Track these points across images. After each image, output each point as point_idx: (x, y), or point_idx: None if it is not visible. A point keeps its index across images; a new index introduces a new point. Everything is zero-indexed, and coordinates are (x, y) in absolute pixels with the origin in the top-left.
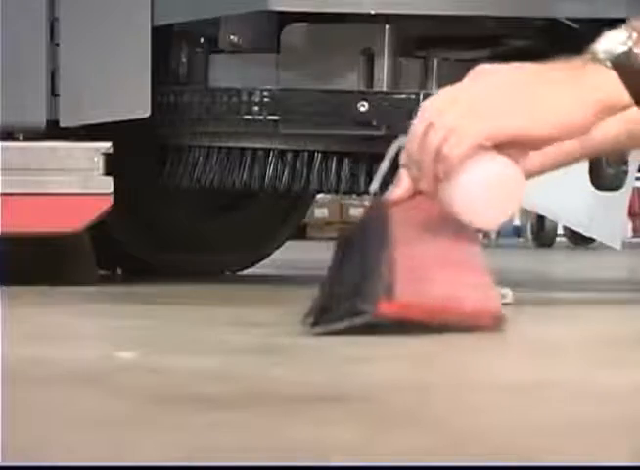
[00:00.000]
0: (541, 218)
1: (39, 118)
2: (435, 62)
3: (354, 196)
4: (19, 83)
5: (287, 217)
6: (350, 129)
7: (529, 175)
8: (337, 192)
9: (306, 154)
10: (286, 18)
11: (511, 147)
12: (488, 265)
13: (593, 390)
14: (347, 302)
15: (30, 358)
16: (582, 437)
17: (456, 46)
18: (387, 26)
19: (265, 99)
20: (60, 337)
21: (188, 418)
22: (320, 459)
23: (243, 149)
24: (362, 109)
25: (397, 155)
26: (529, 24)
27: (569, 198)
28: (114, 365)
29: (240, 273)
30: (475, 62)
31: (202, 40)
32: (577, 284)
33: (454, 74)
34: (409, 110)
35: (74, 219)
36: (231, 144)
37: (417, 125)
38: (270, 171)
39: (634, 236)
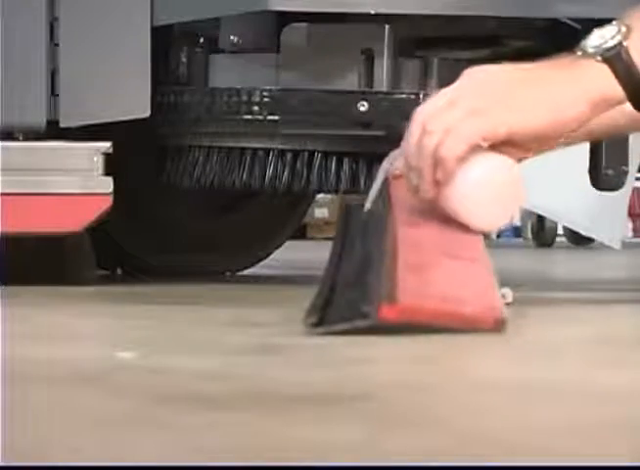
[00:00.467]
0: (541, 218)
1: (39, 118)
2: (435, 62)
3: (354, 196)
4: (19, 83)
5: (287, 217)
6: (350, 129)
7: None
8: (337, 192)
9: (306, 154)
10: (286, 18)
11: (506, 146)
12: (491, 262)
13: (593, 390)
14: (349, 302)
15: (30, 358)
16: (582, 437)
17: (456, 46)
18: (387, 26)
19: (265, 99)
20: (60, 337)
21: (188, 418)
22: (320, 459)
23: (243, 149)
24: (362, 109)
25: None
26: (529, 24)
27: (569, 198)
28: (114, 365)
29: (240, 273)
30: (475, 62)
31: (202, 40)
32: (577, 284)
33: (454, 74)
34: (409, 110)
35: (74, 219)
36: (231, 144)
37: (412, 131)
38: (270, 171)
39: (634, 236)
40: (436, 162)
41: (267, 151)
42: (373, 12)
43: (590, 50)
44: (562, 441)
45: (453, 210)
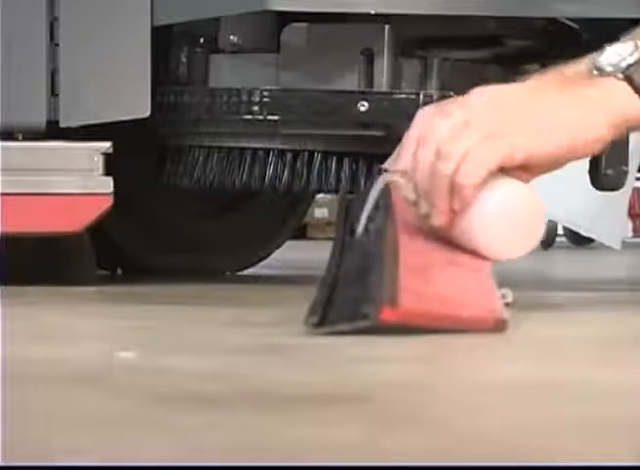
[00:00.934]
0: None
1: (39, 118)
2: (435, 62)
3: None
4: (19, 83)
5: (287, 217)
6: (350, 129)
7: None
8: (337, 192)
9: (306, 154)
10: (286, 18)
11: (521, 170)
12: (491, 264)
13: (593, 390)
14: (350, 302)
15: (30, 358)
16: (582, 437)
17: (456, 46)
18: (386, 26)
19: (265, 99)
20: (60, 337)
21: (188, 418)
22: (320, 459)
23: (243, 149)
24: (362, 109)
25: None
26: (529, 24)
27: (569, 198)
28: (114, 365)
29: (240, 273)
30: (475, 62)
31: (202, 40)
32: (577, 284)
33: (454, 74)
34: (409, 110)
35: (74, 219)
36: (231, 144)
37: (422, 156)
38: (270, 171)
39: (634, 236)
40: (453, 188)
41: (267, 151)
42: (373, 12)
43: (608, 68)
44: (562, 441)
45: (468, 240)
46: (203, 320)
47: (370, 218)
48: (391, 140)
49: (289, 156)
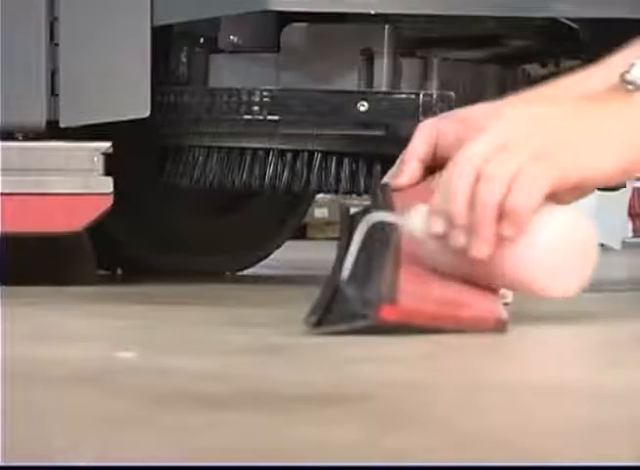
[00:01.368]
0: None
1: (39, 118)
2: (435, 62)
3: (354, 196)
4: (19, 83)
5: (287, 218)
6: (350, 129)
7: None
8: (337, 192)
9: (306, 154)
10: (286, 18)
11: (569, 192)
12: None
13: (593, 390)
14: (349, 302)
15: (30, 358)
16: (582, 437)
17: (456, 46)
18: (386, 26)
19: (265, 99)
20: (60, 337)
21: (188, 418)
22: (320, 459)
23: (243, 149)
24: (362, 109)
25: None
26: (529, 24)
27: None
28: (114, 365)
29: (240, 273)
30: (475, 62)
31: (202, 40)
32: None
33: (454, 74)
34: (409, 110)
35: (74, 219)
36: (231, 144)
37: (456, 183)
38: (270, 171)
39: (634, 236)
40: (502, 214)
41: (267, 151)
42: (373, 12)
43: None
44: (562, 440)
45: (512, 277)
46: (203, 320)
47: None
48: (391, 140)
49: (289, 156)
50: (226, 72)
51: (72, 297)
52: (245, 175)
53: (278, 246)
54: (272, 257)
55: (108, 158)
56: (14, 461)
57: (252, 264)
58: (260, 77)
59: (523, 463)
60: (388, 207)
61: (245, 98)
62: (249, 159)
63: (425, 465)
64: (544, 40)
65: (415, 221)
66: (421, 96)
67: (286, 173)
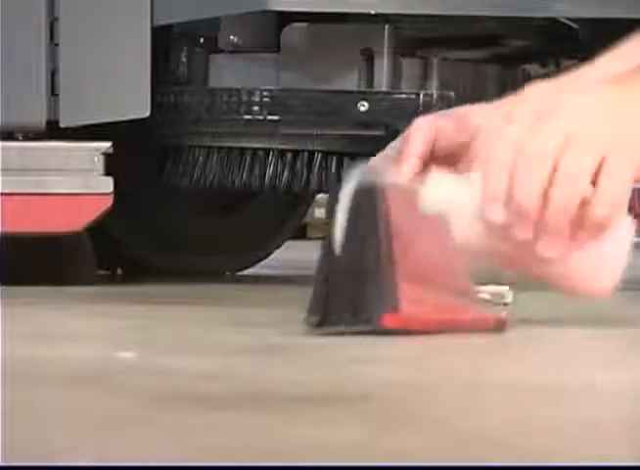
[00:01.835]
0: None
1: (39, 118)
2: (435, 62)
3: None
4: (19, 83)
5: (287, 217)
6: (350, 129)
7: None
8: None
9: (306, 154)
10: (286, 18)
11: None
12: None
13: (593, 390)
14: (349, 304)
15: (30, 358)
16: (582, 437)
17: (456, 46)
18: (386, 26)
19: (265, 99)
20: (60, 337)
21: (188, 418)
22: (320, 459)
23: (243, 149)
24: (362, 109)
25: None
26: (529, 24)
27: None
28: (114, 365)
29: (240, 273)
30: (475, 62)
31: (202, 40)
32: None
33: (454, 74)
34: (409, 110)
35: (74, 219)
36: (231, 144)
37: (526, 175)
38: (270, 171)
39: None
40: (584, 218)
41: (267, 151)
42: (373, 12)
43: None
44: (562, 441)
45: (575, 277)
46: (203, 320)
47: (350, 222)
48: (392, 140)
49: (289, 156)
50: (226, 72)
51: (72, 297)
52: (245, 175)
53: (278, 246)
54: (272, 257)
55: (108, 158)
56: (14, 461)
57: (252, 264)
58: (260, 77)
59: (523, 463)
60: (375, 195)
61: (245, 98)
62: (249, 159)
63: (425, 465)
64: (544, 40)
65: (436, 191)
66: (421, 96)
67: (286, 173)
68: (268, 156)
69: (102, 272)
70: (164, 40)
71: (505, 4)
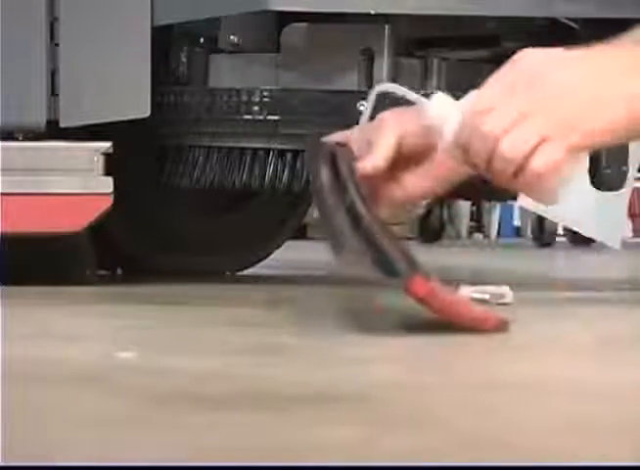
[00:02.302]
0: (541, 218)
1: (39, 118)
2: (435, 62)
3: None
4: (19, 83)
5: (287, 217)
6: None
7: None
8: None
9: None
10: (286, 18)
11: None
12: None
13: (593, 390)
14: (367, 255)
15: (30, 358)
16: (582, 437)
17: (456, 46)
18: (386, 26)
19: (265, 99)
20: (60, 337)
21: (188, 418)
22: (320, 459)
23: (243, 149)
24: (362, 109)
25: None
26: (529, 24)
27: (568, 198)
28: (114, 365)
29: (240, 273)
30: (475, 62)
31: (202, 40)
32: (577, 284)
33: (454, 74)
34: None
35: (74, 219)
36: (231, 144)
37: (478, 146)
38: (270, 171)
39: (634, 236)
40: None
41: (267, 151)
42: (373, 12)
43: None
44: (562, 441)
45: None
46: (203, 320)
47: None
48: None
49: (289, 156)
50: (226, 72)
51: (72, 297)
52: (245, 175)
53: (278, 246)
54: (272, 257)
55: (108, 158)
56: (14, 461)
57: (252, 264)
58: (260, 77)
59: (523, 463)
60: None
61: (245, 98)
62: (249, 159)
63: (425, 465)
64: (544, 40)
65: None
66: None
67: (286, 173)
68: (268, 156)
69: (102, 272)
70: (164, 40)
71: (505, 4)
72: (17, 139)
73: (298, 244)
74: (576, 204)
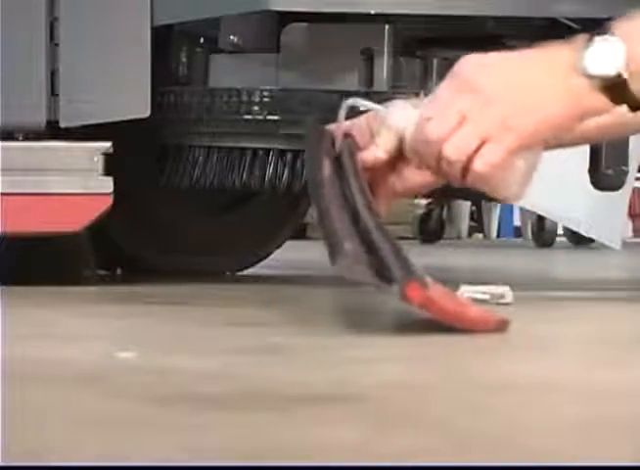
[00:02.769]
0: (541, 218)
1: (39, 118)
2: (435, 62)
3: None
4: (19, 83)
5: (287, 217)
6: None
7: None
8: None
9: None
10: (286, 18)
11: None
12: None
13: (593, 390)
14: (366, 258)
15: (30, 358)
16: (582, 437)
17: (456, 46)
18: (386, 26)
19: (265, 99)
20: (60, 337)
21: (188, 418)
22: (320, 459)
23: (243, 149)
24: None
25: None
26: (529, 24)
27: (568, 198)
28: (115, 365)
29: (240, 273)
30: None
31: (202, 40)
32: (577, 284)
33: None
34: None
35: (74, 219)
36: (231, 144)
37: (439, 126)
38: (270, 171)
39: (634, 236)
40: (467, 166)
41: (267, 151)
42: (373, 12)
43: (594, 78)
44: (562, 441)
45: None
46: (203, 320)
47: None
48: None
49: (289, 156)
50: (226, 72)
51: (72, 297)
52: (245, 175)
53: (278, 246)
54: (272, 257)
55: (108, 158)
56: (14, 461)
57: (252, 264)
58: (260, 77)
59: (523, 463)
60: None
61: (245, 98)
62: (249, 159)
63: (424, 465)
64: (544, 40)
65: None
66: (421, 96)
67: (286, 173)
68: (268, 156)
69: (102, 272)
70: (164, 40)
71: (505, 4)
72: (17, 139)
73: (298, 244)
74: (577, 204)
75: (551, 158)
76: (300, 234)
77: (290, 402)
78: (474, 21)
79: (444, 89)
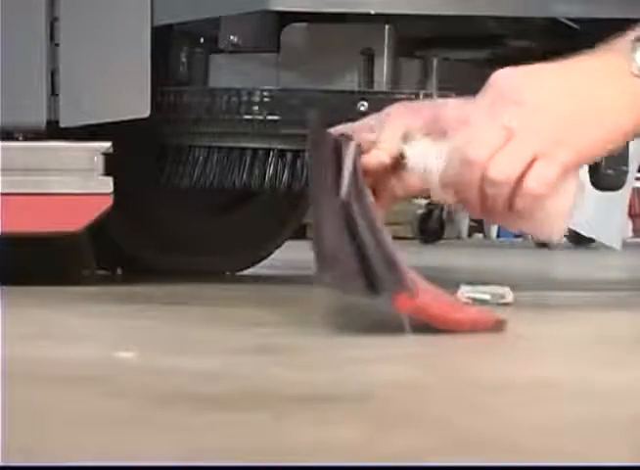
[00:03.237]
0: None
1: (39, 118)
2: (435, 62)
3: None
4: (19, 83)
5: (287, 217)
6: None
7: None
8: None
9: (306, 154)
10: (286, 18)
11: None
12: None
13: (593, 390)
14: (355, 270)
15: (30, 358)
16: (582, 437)
17: (456, 46)
18: (386, 26)
19: (265, 99)
20: (60, 337)
21: (188, 418)
22: (320, 459)
23: (243, 149)
24: (362, 109)
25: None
26: (529, 24)
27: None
28: (115, 365)
29: (240, 273)
30: (475, 62)
31: (202, 40)
32: (577, 284)
33: (454, 75)
34: None
35: (74, 219)
36: (231, 144)
37: (482, 146)
38: (270, 171)
39: (634, 236)
40: (519, 190)
41: (267, 151)
42: (373, 12)
43: None
44: (561, 441)
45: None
46: (203, 320)
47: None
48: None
49: (289, 156)
50: (226, 72)
51: (72, 297)
52: (245, 175)
53: (278, 246)
54: (272, 257)
55: (108, 158)
56: (14, 461)
57: (252, 264)
58: (260, 77)
59: (523, 463)
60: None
61: (245, 98)
62: (249, 159)
63: (425, 465)
64: (544, 40)
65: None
66: (421, 96)
67: (286, 173)
68: (268, 156)
69: (102, 272)
70: (164, 40)
71: (505, 4)
72: (17, 139)
73: (298, 244)
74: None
75: None
76: (300, 234)
77: (290, 402)
78: (474, 21)
79: (480, 108)
